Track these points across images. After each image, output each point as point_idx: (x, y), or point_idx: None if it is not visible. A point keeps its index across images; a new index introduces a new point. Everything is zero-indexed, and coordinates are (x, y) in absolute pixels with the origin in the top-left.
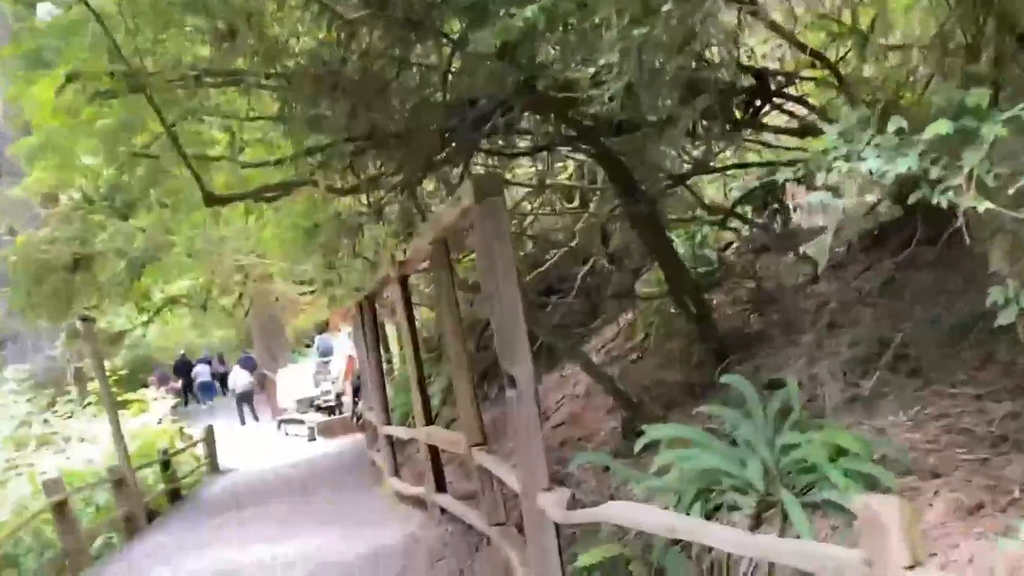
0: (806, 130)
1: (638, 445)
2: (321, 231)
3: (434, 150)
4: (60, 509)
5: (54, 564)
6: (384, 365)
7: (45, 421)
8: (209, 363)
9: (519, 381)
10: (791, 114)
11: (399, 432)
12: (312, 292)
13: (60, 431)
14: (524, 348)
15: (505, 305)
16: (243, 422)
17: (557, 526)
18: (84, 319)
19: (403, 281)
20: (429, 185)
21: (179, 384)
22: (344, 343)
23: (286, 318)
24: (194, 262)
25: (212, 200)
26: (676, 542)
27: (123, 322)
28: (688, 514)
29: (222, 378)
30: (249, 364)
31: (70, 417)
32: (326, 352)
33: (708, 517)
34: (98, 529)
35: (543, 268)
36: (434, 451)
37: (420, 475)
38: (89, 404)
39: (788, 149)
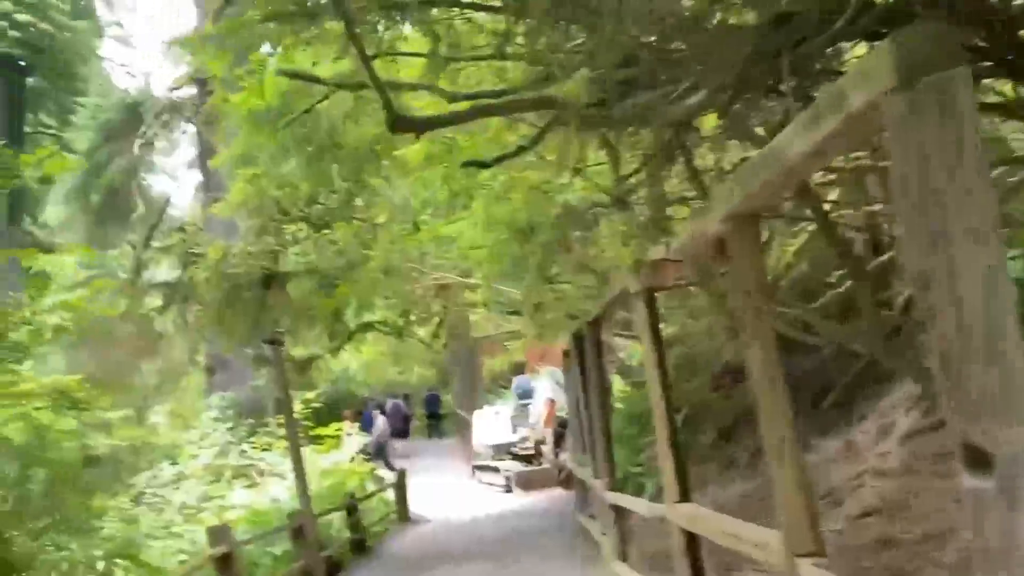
0: None
1: None
2: (540, 232)
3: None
4: (225, 562)
5: None
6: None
7: (242, 452)
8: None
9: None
10: None
11: (635, 506)
12: (516, 320)
13: (255, 463)
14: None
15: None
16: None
17: None
18: (271, 342)
19: (650, 297)
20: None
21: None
22: (544, 385)
23: (482, 357)
24: (390, 280)
25: (401, 125)
26: None
27: (317, 350)
28: None
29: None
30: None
31: (266, 450)
32: (525, 394)
33: None
34: None
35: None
36: (692, 540)
37: (654, 560)
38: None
39: None
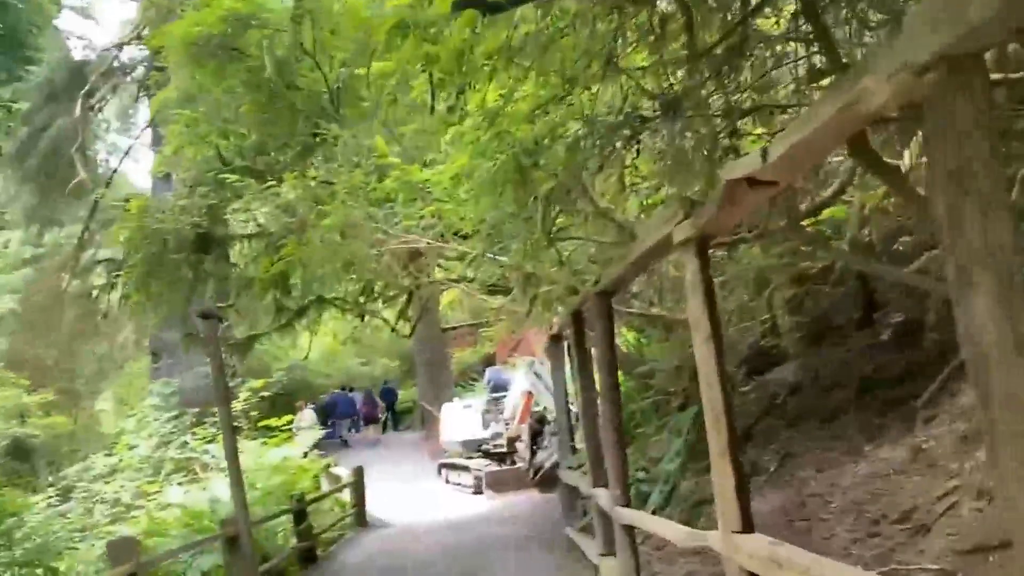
0: None
1: None
2: (548, 163)
3: None
4: None
5: None
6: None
7: (184, 444)
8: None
9: None
10: None
11: (666, 530)
12: (496, 300)
13: (198, 457)
14: None
15: None
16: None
17: None
18: (205, 315)
19: (703, 247)
20: None
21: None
22: (521, 377)
23: (451, 348)
24: (348, 244)
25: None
26: None
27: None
28: None
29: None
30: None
31: (211, 442)
32: (498, 387)
33: None
34: None
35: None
36: None
37: None
38: (238, 428)
39: None
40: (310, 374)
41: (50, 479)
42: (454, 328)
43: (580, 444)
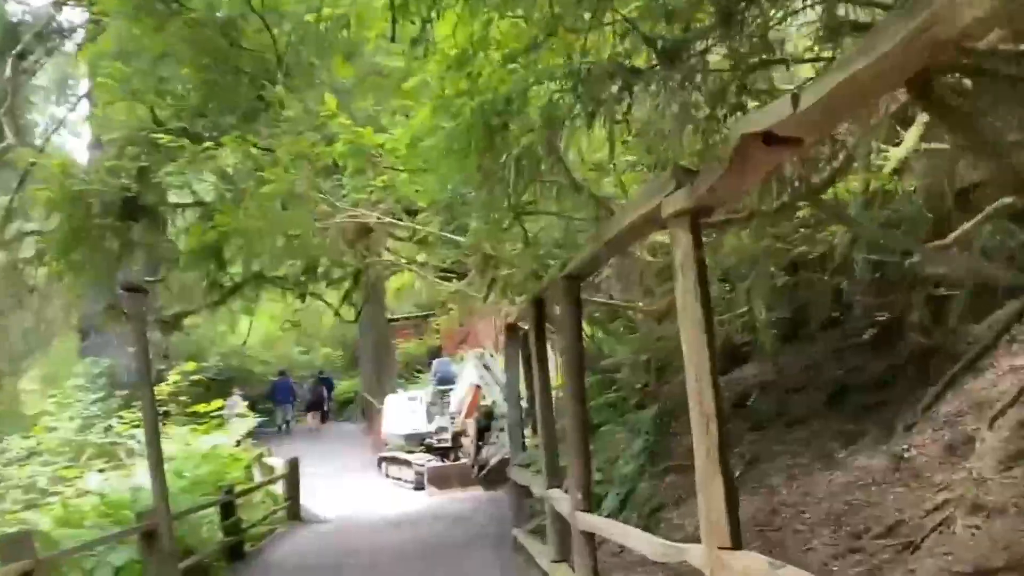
0: None
1: None
2: (521, 116)
3: None
4: None
5: None
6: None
7: (108, 428)
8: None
9: None
10: None
11: (638, 542)
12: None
13: (123, 442)
14: None
15: None
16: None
17: None
18: (129, 288)
19: (696, 223)
20: None
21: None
22: (469, 369)
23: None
24: (290, 215)
25: None
26: None
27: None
28: None
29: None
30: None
31: (138, 427)
32: (445, 379)
33: None
34: None
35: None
36: None
37: None
38: (167, 413)
39: None
40: (248, 360)
41: None
42: (399, 320)
43: (531, 441)
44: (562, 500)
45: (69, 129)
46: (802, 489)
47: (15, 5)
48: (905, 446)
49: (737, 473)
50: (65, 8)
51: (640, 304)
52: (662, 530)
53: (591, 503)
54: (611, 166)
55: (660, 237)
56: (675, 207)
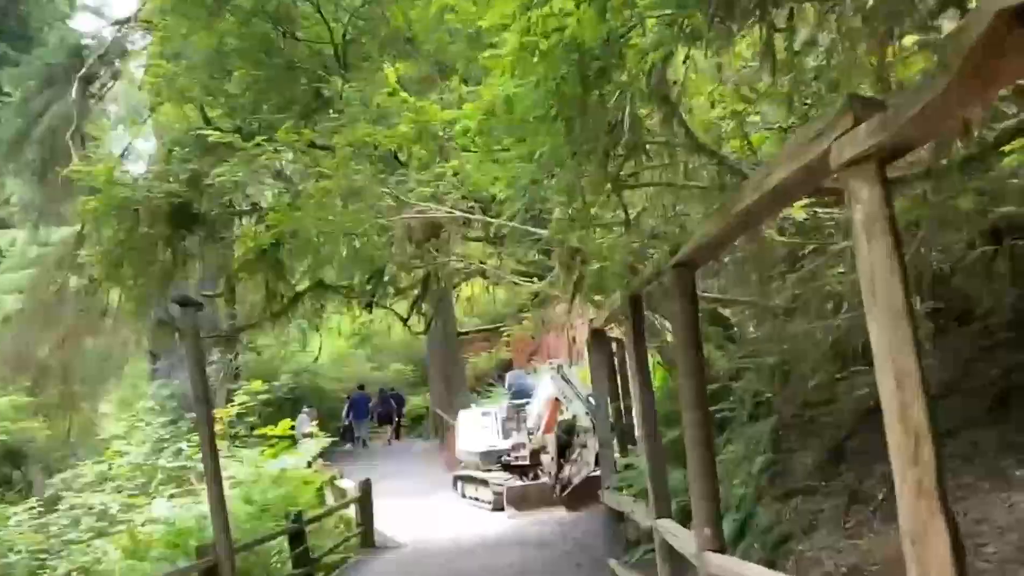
0: None
1: None
2: (623, 58)
3: None
4: None
5: None
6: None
7: (179, 451)
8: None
9: None
10: None
11: None
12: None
13: (193, 466)
14: None
15: None
16: None
17: None
18: (182, 303)
19: (884, 168)
20: None
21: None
22: (546, 382)
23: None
24: (351, 213)
25: None
26: None
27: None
28: None
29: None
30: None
31: None
32: (520, 392)
33: None
34: None
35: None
36: None
37: None
38: (235, 435)
39: None
40: (319, 378)
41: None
42: (468, 333)
43: (628, 459)
44: (680, 535)
45: (137, 155)
46: (974, 515)
47: (84, 24)
48: None
49: (881, 496)
50: (132, 32)
51: (752, 299)
52: (790, 566)
53: (723, 541)
54: (737, 124)
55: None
56: (854, 150)
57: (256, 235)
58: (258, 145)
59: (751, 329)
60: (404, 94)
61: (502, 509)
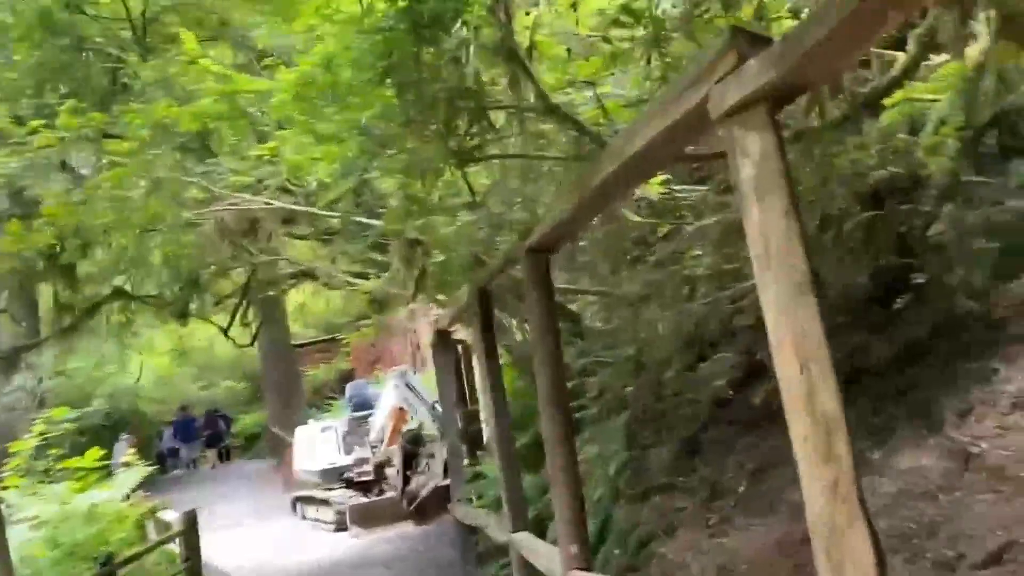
0: None
1: None
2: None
3: None
4: None
5: None
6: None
7: None
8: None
9: None
10: None
11: None
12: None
13: None
14: None
15: None
16: None
17: None
18: None
19: (775, 113)
20: None
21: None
22: (390, 392)
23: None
24: (149, 204)
25: None
26: None
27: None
28: None
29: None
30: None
31: (6, 487)
32: (362, 404)
33: None
34: None
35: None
36: None
37: None
38: (48, 470)
39: None
40: (141, 401)
41: None
42: (305, 345)
43: (477, 466)
44: (542, 551)
45: None
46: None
47: None
48: (967, 438)
49: (741, 488)
50: None
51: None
52: (657, 570)
53: (591, 558)
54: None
55: (653, 185)
56: (740, 92)
57: (20, 231)
58: (33, 132)
59: (601, 322)
60: (207, 61)
61: (346, 529)
